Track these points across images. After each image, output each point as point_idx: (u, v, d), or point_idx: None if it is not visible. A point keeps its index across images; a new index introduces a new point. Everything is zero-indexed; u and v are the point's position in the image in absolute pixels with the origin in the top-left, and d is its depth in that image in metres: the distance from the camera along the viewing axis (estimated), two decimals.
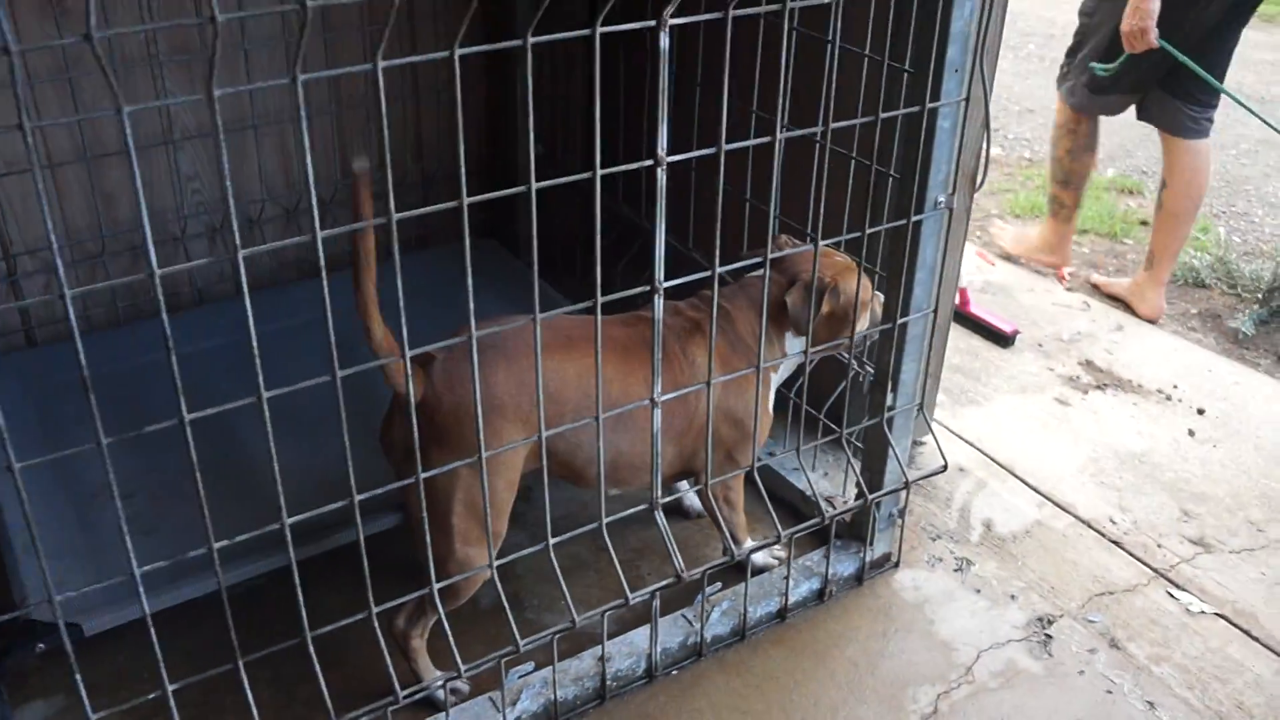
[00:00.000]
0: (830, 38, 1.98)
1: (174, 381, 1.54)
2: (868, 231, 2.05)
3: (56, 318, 3.09)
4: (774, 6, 1.79)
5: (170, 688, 1.76)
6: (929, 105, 1.97)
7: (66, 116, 2.87)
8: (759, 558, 2.47)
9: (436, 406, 1.98)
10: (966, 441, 3.01)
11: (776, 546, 2.43)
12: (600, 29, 1.57)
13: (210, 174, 3.12)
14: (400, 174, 3.42)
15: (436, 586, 1.91)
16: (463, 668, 1.96)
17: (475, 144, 3.54)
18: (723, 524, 2.29)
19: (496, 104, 3.50)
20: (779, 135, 1.80)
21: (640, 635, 2.28)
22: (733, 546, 2.20)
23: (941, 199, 2.09)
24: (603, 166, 1.70)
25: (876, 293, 2.32)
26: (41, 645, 2.14)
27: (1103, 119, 3.98)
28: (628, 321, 2.22)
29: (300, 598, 1.77)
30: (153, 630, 1.70)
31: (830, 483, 2.71)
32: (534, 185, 1.63)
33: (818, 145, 2.18)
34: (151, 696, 1.76)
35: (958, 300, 3.57)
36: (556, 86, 3.42)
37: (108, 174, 3.01)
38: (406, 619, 2.12)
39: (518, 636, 1.95)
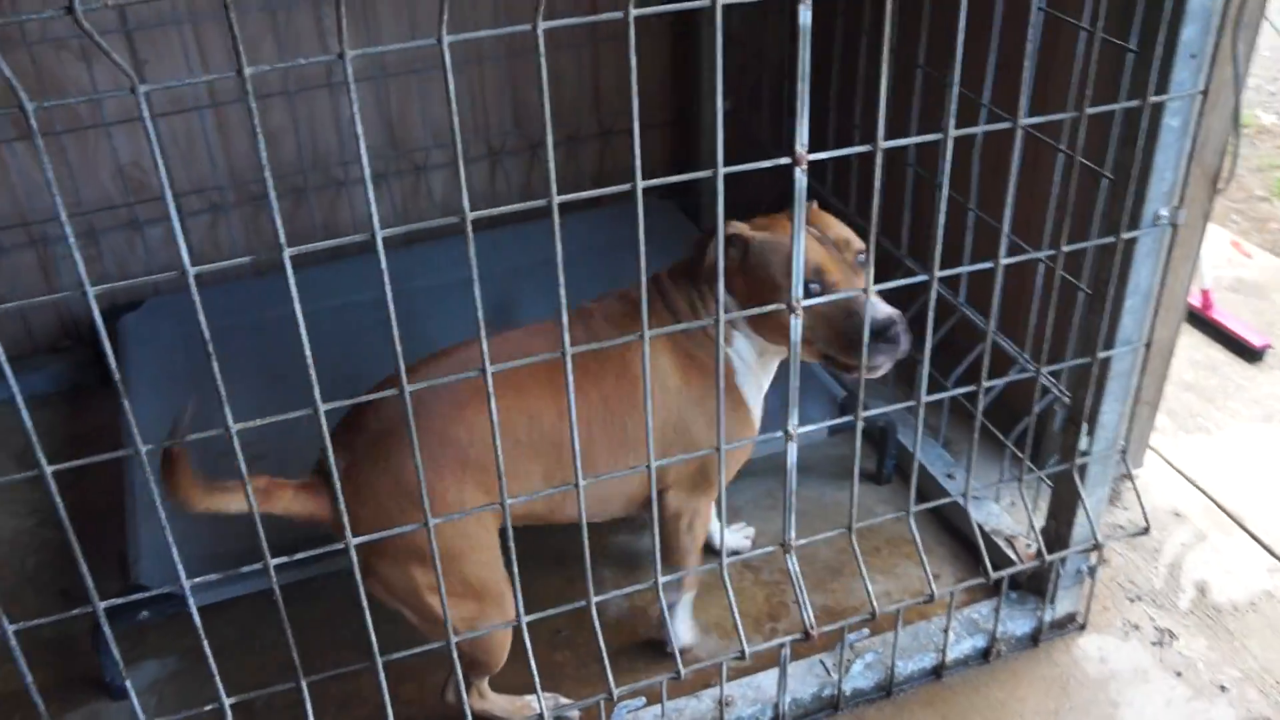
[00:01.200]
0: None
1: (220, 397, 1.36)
2: (1064, 249, 1.67)
3: (220, 258, 3.03)
4: None
5: (227, 701, 1.62)
6: (1151, 99, 1.58)
7: (227, 54, 2.76)
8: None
9: (355, 524, 1.64)
10: (1188, 479, 2.56)
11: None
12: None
13: (374, 118, 2.97)
14: (574, 126, 3.18)
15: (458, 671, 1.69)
16: (547, 713, 1.75)
17: (659, 95, 3.26)
18: (672, 551, 1.98)
19: (683, 53, 3.20)
20: (949, 133, 1.46)
21: (768, 680, 2.02)
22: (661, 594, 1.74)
23: (1164, 212, 1.68)
24: (811, 139, 1.39)
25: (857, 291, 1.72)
26: (145, 613, 2.08)
27: None
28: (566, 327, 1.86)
29: (369, 620, 1.59)
30: (202, 631, 1.56)
31: (1015, 517, 2.34)
32: (640, 183, 1.35)
33: (1019, 134, 1.81)
34: (207, 709, 1.63)
35: (1199, 302, 3.09)
36: (749, 36, 3.10)
37: (270, 114, 2.89)
38: (454, 692, 1.92)
39: (612, 682, 1.72)
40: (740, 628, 1.76)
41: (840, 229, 1.80)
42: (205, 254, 3.02)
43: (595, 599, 1.70)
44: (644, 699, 1.98)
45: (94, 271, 2.95)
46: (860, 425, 1.70)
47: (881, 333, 1.69)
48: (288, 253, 1.29)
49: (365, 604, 1.56)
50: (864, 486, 2.51)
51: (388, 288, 1.35)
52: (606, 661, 1.71)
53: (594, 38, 3.09)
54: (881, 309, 1.71)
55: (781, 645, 1.85)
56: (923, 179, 2.43)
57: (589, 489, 1.57)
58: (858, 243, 1.78)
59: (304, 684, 1.63)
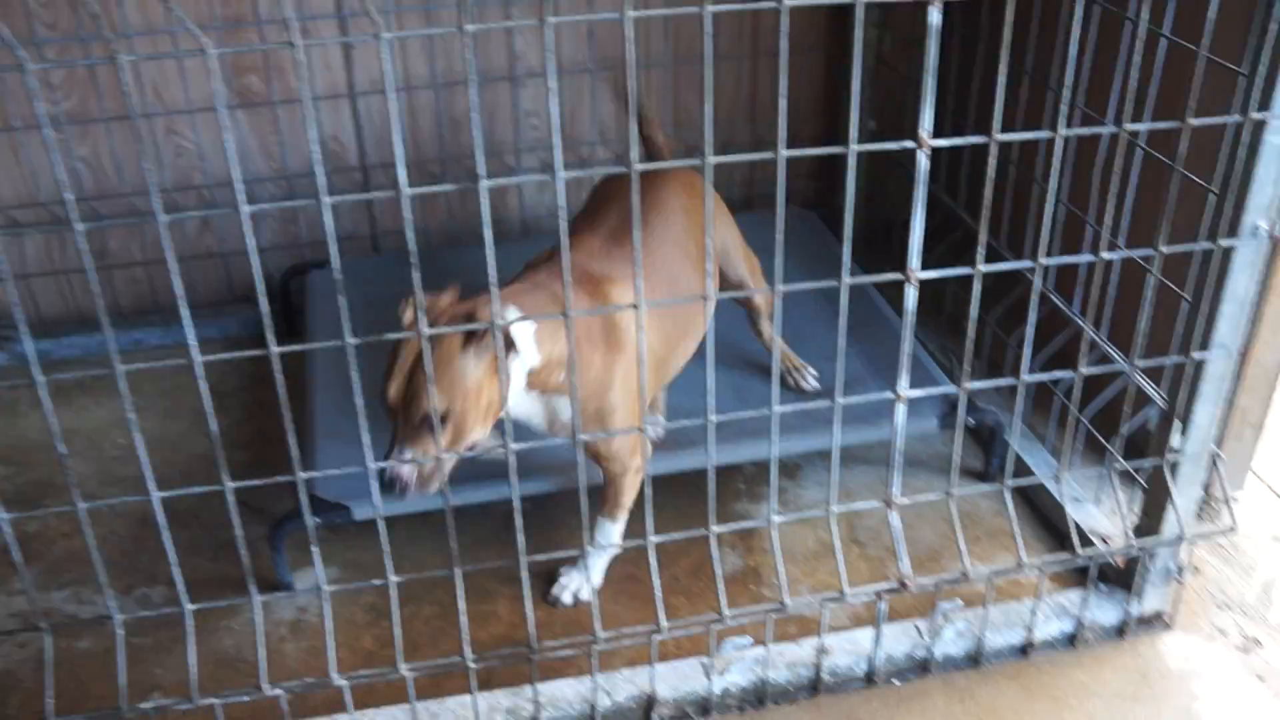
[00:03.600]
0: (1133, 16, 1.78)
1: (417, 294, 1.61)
2: (1164, 249, 1.83)
3: (398, 228, 3.35)
4: None
5: (393, 579, 1.87)
6: (1254, 115, 1.73)
7: (422, 44, 3.09)
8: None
9: None
10: None
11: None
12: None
13: (548, 113, 3.25)
14: (729, 135, 3.42)
15: None
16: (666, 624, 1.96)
17: (811, 113, 3.48)
18: None
19: (837, 70, 3.42)
20: (1061, 132, 1.64)
21: (866, 635, 2.19)
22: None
23: (1263, 224, 1.83)
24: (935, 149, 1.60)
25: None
26: (317, 519, 2.34)
27: None
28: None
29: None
30: (382, 526, 1.81)
31: (1113, 522, 2.47)
32: (711, 159, 1.56)
33: (1130, 142, 1.97)
34: (377, 583, 1.88)
35: None
36: (899, 61, 3.30)
37: (455, 102, 3.20)
38: None
39: (724, 606, 1.93)
40: (844, 573, 1.96)
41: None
42: (384, 224, 3.35)
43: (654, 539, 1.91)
44: (750, 638, 2.17)
45: (288, 232, 3.30)
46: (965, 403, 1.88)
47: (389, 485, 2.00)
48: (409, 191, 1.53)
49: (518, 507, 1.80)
50: (970, 482, 2.67)
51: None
52: (722, 587, 1.93)
53: (754, 52, 3.33)
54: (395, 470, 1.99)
55: (878, 594, 2.02)
56: (1024, 179, 2.60)
57: None
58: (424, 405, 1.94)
59: (457, 571, 1.88)
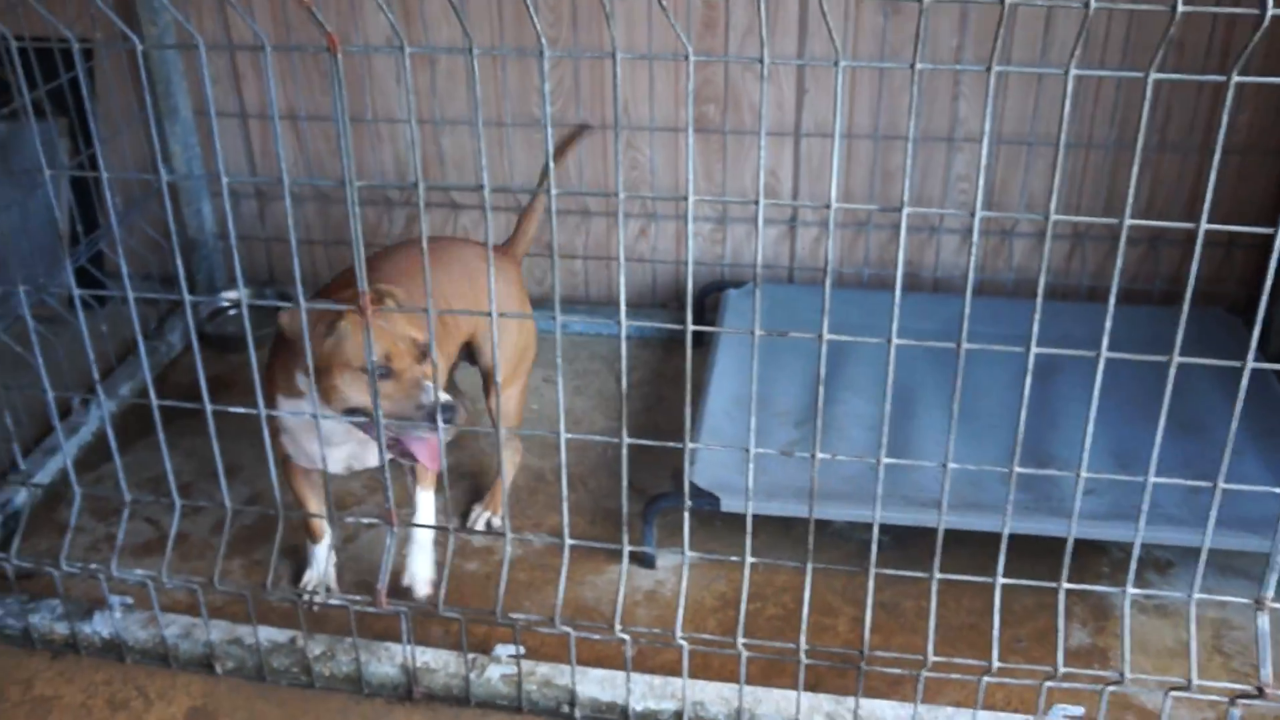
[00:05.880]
0: None
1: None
2: None
3: (814, 264, 3.55)
4: None
5: (749, 559, 2.03)
6: None
7: (869, 95, 3.27)
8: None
9: None
10: None
11: None
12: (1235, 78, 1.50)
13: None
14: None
15: None
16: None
17: (1254, 214, 3.32)
18: None
19: None
20: None
21: None
22: None
23: None
24: None
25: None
26: (690, 503, 2.54)
27: None
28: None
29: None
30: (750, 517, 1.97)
31: None
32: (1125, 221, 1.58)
33: None
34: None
35: None
36: None
37: (890, 155, 3.35)
38: None
39: (1060, 663, 1.93)
40: (1194, 664, 1.90)
41: (404, 327, 2.17)
42: (803, 258, 3.55)
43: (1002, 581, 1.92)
44: (1083, 709, 2.13)
45: (713, 253, 3.57)
46: None
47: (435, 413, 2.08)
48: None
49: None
50: None
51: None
52: (1061, 645, 1.93)
53: (1203, 145, 3.24)
54: (442, 394, 2.10)
55: (1231, 698, 1.94)
56: None
57: None
58: (420, 337, 2.16)
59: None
